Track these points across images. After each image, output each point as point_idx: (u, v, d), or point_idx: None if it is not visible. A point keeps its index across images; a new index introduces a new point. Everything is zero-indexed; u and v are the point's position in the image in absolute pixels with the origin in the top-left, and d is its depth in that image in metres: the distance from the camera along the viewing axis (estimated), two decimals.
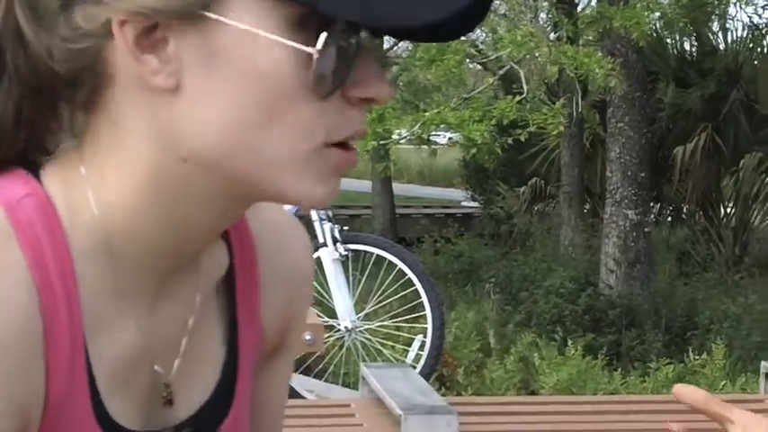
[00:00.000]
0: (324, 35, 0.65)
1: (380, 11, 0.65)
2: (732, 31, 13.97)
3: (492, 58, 9.07)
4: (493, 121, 7.69)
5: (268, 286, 0.82)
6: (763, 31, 13.49)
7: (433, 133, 9.53)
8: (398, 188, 18.27)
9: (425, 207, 17.68)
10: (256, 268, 0.81)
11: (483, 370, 6.78)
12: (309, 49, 0.65)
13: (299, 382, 5.44)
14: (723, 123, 12.62)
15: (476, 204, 16.32)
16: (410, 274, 5.46)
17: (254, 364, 0.82)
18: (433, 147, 8.55)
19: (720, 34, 13.83)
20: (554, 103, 8.79)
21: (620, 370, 7.52)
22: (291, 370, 0.93)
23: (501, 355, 7.43)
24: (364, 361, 5.28)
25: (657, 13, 9.36)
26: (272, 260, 0.83)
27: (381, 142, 7.63)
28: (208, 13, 0.66)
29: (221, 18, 0.66)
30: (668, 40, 13.40)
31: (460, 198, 18.14)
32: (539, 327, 9.04)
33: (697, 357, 7.13)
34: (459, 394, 6.35)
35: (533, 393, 6.64)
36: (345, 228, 5.72)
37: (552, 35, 9.15)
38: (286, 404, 0.92)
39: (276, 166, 0.68)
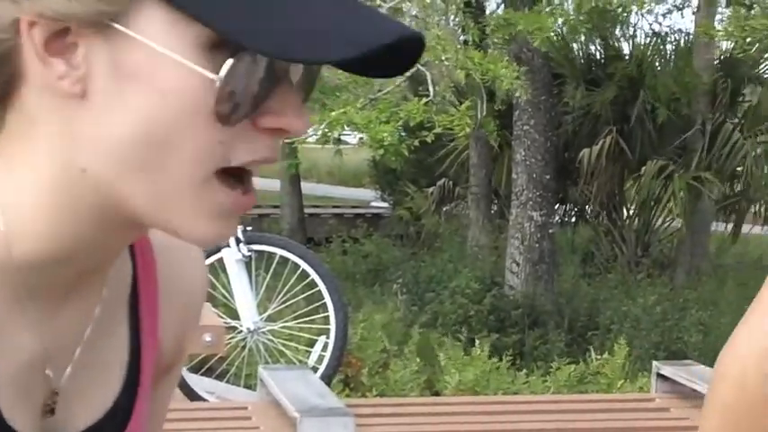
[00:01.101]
0: (229, 62, 0.64)
1: (293, 44, 0.64)
2: (636, 38, 14.25)
3: None
4: (399, 123, 7.71)
5: (166, 302, 0.82)
6: (665, 39, 13.80)
7: (345, 133, 9.52)
8: (308, 188, 18.25)
9: (335, 207, 17.68)
10: (156, 284, 0.81)
11: (387, 371, 6.79)
12: (212, 76, 0.65)
13: (200, 383, 5.38)
14: (628, 127, 12.88)
15: (385, 205, 16.38)
16: (314, 275, 5.44)
17: (152, 379, 0.82)
18: (339, 147, 8.53)
19: (624, 40, 14.14)
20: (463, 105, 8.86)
21: (523, 370, 7.61)
22: (176, 385, 0.93)
23: (405, 355, 7.45)
24: (267, 362, 5.26)
25: (561, 19, 9.49)
26: (169, 276, 0.82)
27: (287, 140, 7.59)
28: (116, 25, 0.65)
29: (129, 32, 0.65)
30: (575, 45, 13.62)
31: (370, 198, 18.19)
32: (444, 327, 9.10)
33: (598, 357, 7.26)
34: (363, 395, 6.35)
35: (437, 394, 6.68)
36: (249, 228, 5.66)
37: (461, 38, 9.24)
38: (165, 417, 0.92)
39: (169, 192, 0.67)
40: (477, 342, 7.63)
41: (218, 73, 0.64)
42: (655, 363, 4.37)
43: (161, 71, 0.65)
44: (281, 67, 0.67)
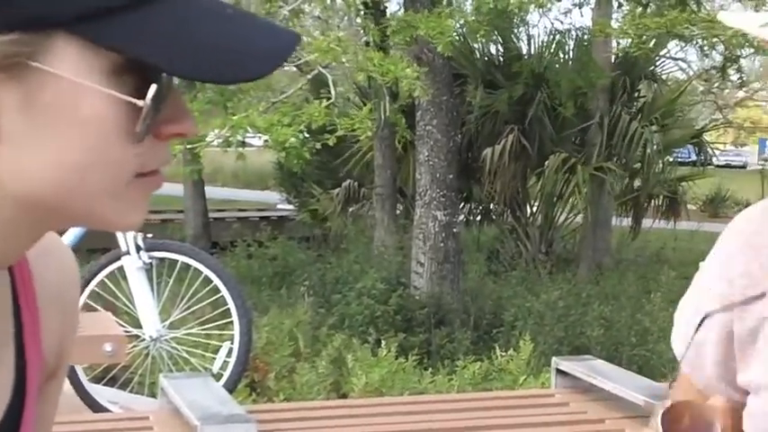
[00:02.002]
0: (153, 87, 0.68)
1: (210, 65, 0.68)
2: (536, 37, 14.48)
3: (301, 61, 9.06)
4: (301, 126, 7.69)
5: (45, 311, 0.83)
6: (565, 37, 14.04)
7: (250, 135, 9.45)
8: (213, 191, 18.07)
9: (240, 210, 17.55)
10: (35, 294, 0.82)
11: (294, 375, 6.77)
12: (139, 102, 0.68)
13: (102, 393, 5.29)
14: (529, 125, 13.08)
15: (291, 207, 16.32)
16: (216, 281, 5.39)
17: (38, 388, 0.83)
18: (241, 150, 8.46)
19: (525, 39, 14.35)
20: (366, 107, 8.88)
21: (430, 369, 7.66)
22: (60, 394, 0.94)
23: (313, 358, 7.43)
24: (171, 370, 5.18)
25: (461, 21, 9.57)
26: (45, 285, 0.84)
27: (189, 146, 7.51)
28: (33, 63, 0.66)
29: (43, 67, 0.66)
30: (476, 45, 13.76)
31: (276, 201, 18.11)
32: (351, 329, 9.11)
33: (503, 354, 7.34)
34: (270, 400, 6.31)
35: (345, 396, 6.68)
36: (150, 235, 5.58)
37: (363, 40, 9.25)
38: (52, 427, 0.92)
39: (95, 201, 0.71)
40: (383, 343, 7.65)
41: (138, 97, 0.68)
42: (554, 359, 4.44)
43: (80, 101, 0.67)
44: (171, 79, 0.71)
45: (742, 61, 15.94)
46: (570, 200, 13.43)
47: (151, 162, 0.72)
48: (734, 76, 18.10)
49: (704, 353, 1.18)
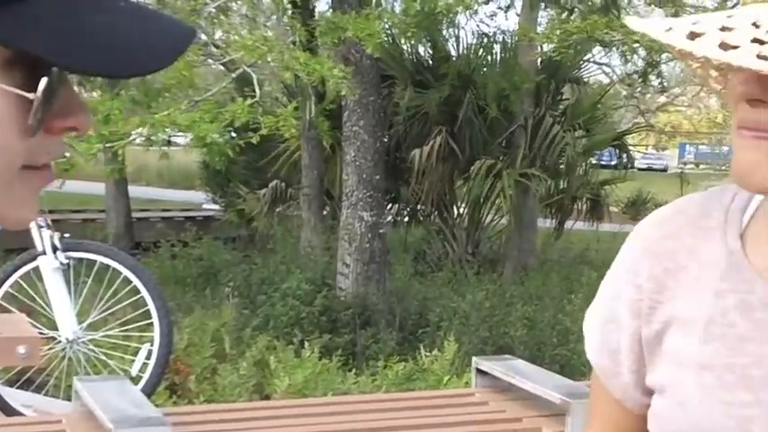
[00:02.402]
0: (44, 80, 0.67)
1: (105, 59, 0.67)
2: (464, 38, 14.58)
3: (226, 60, 8.99)
4: (224, 124, 7.62)
5: None
6: (491, 40, 14.16)
7: (176, 134, 9.32)
8: (136, 191, 17.82)
9: (164, 210, 17.33)
10: None
11: (216, 376, 6.70)
12: (30, 95, 0.67)
13: (16, 397, 5.17)
14: (458, 127, 13.15)
15: (217, 207, 16.18)
16: (136, 282, 5.31)
17: None
18: (165, 149, 8.35)
19: (454, 41, 14.44)
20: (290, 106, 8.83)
21: (354, 370, 7.64)
22: None
23: (237, 360, 7.37)
24: (88, 373, 5.09)
25: (389, 23, 9.58)
26: None
27: (108, 144, 7.39)
28: None
29: None
30: (404, 46, 13.79)
31: (201, 201, 17.93)
32: (276, 330, 9.05)
33: (427, 354, 7.36)
34: (190, 402, 6.23)
35: (268, 398, 6.63)
36: (67, 235, 5.47)
37: (289, 39, 9.19)
38: None
39: None
40: (307, 344, 7.62)
41: (29, 91, 0.67)
42: (474, 358, 4.45)
43: None
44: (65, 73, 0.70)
45: (663, 67, 16.24)
46: (496, 202, 13.55)
47: (42, 156, 0.71)
48: (655, 82, 18.45)
49: (620, 361, 1.19)
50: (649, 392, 1.17)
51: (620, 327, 1.18)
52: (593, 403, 1.27)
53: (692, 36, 0.93)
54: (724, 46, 0.90)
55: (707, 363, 1.08)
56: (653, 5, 10.09)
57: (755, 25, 0.92)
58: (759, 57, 0.88)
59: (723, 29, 0.92)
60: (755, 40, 0.90)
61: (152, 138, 7.69)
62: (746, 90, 0.98)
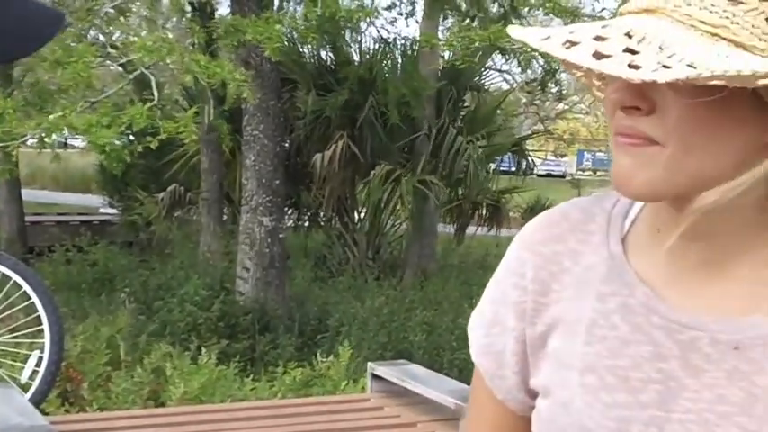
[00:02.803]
0: None
1: None
2: (365, 44, 14.60)
3: (124, 61, 8.83)
4: (122, 128, 7.48)
5: None
6: (391, 46, 14.22)
7: (72, 136, 9.11)
8: (30, 194, 17.37)
9: (59, 214, 16.92)
10: None
11: (110, 384, 6.56)
12: None
13: None
14: (359, 132, 13.16)
15: (114, 211, 15.87)
16: (26, 288, 5.19)
17: None
18: (59, 151, 8.17)
19: (356, 45, 14.46)
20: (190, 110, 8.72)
21: (252, 376, 7.58)
22: None
23: (132, 366, 7.24)
24: None
25: (290, 27, 9.55)
26: None
27: (0, 145, 7.18)
28: None
29: None
30: (305, 50, 13.75)
31: (98, 205, 17.57)
32: (173, 336, 8.93)
33: (324, 360, 7.34)
34: (82, 410, 6.10)
35: (163, 405, 6.52)
36: None
37: (188, 42, 9.10)
38: None
39: None
40: (203, 350, 7.53)
41: None
42: (369, 363, 4.47)
43: None
44: None
45: (562, 75, 16.55)
46: (396, 208, 13.59)
47: None
48: (554, 89, 18.76)
49: (504, 362, 1.20)
50: (533, 394, 1.18)
51: (505, 329, 1.19)
52: (474, 404, 1.27)
53: (568, 45, 0.95)
54: (597, 55, 0.92)
55: (589, 365, 1.10)
56: (551, 15, 10.28)
57: (628, 35, 0.94)
58: (630, 66, 0.89)
59: (597, 38, 0.94)
60: (627, 50, 0.91)
61: (45, 140, 7.49)
62: (620, 98, 1.00)
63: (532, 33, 0.99)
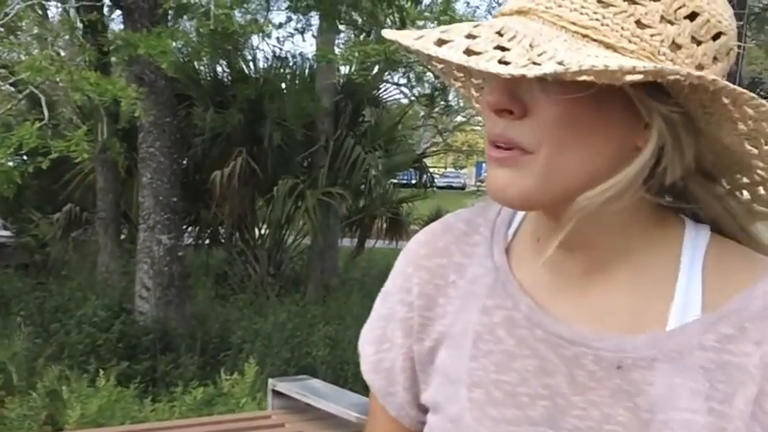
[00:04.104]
0: None
1: None
2: (260, 60, 14.55)
3: (14, 80, 8.63)
4: (11, 149, 7.30)
5: None
6: (286, 62, 14.22)
7: None
8: None
9: None
10: None
11: (3, 409, 6.38)
12: None
13: None
14: (258, 148, 13.07)
15: (7, 233, 15.45)
16: None
17: None
18: None
19: (251, 61, 14.39)
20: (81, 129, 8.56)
21: (151, 397, 7.46)
22: None
23: (27, 391, 7.05)
24: None
25: (182, 42, 9.45)
26: None
27: None
28: None
29: None
30: (201, 66, 13.63)
31: None
32: (71, 358, 8.73)
33: (227, 378, 7.27)
34: None
35: (60, 430, 6.37)
36: None
37: (79, 59, 8.92)
38: None
39: None
40: (102, 372, 7.38)
41: None
42: (270, 380, 4.45)
43: None
44: None
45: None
46: (299, 222, 13.54)
47: None
48: (452, 102, 18.95)
49: (395, 380, 1.20)
50: (425, 410, 1.17)
51: (394, 346, 1.19)
52: (371, 420, 1.26)
53: (440, 43, 0.95)
54: (468, 52, 0.92)
55: (476, 380, 1.09)
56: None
57: (499, 33, 0.94)
58: (501, 62, 0.89)
59: (469, 36, 0.95)
60: (498, 47, 0.92)
61: None
62: (494, 100, 1.00)
63: (406, 34, 0.99)
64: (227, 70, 14.06)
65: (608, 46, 0.95)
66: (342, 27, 12.51)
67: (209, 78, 13.90)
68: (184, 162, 12.68)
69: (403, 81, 17.80)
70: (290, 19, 12.58)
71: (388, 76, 16.14)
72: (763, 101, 0.95)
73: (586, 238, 1.05)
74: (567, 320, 1.06)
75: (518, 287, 1.10)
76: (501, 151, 1.01)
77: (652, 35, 0.96)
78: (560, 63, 0.88)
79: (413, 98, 18.92)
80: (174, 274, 10.16)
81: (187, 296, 10.58)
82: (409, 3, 10.05)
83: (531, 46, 0.92)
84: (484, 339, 1.10)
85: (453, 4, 10.04)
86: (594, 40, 0.95)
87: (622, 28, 0.96)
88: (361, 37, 13.38)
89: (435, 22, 9.49)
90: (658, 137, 0.98)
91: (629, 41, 0.96)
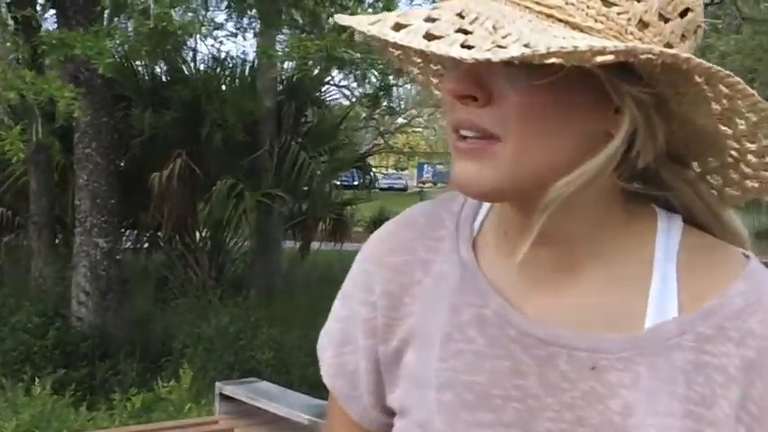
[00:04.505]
0: None
1: None
2: (199, 60, 14.39)
3: None
4: None
5: None
6: (228, 61, 14.08)
7: None
8: None
9: None
10: None
11: None
12: None
13: None
14: (198, 149, 12.87)
15: None
16: None
17: None
18: None
19: (191, 61, 14.19)
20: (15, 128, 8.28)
21: (89, 405, 7.24)
22: None
23: None
24: None
25: (119, 41, 9.21)
26: None
27: None
28: None
29: None
30: (139, 66, 13.40)
31: None
32: (5, 367, 8.45)
33: (165, 385, 7.07)
34: None
35: None
36: None
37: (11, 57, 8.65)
38: None
39: None
40: (38, 380, 7.13)
41: None
42: (217, 384, 4.28)
43: None
44: None
45: (400, 90, 16.74)
46: (239, 225, 13.37)
47: None
48: (394, 103, 18.97)
49: (357, 383, 1.13)
50: (391, 413, 1.11)
51: (356, 348, 1.12)
52: (330, 426, 1.18)
53: (398, 27, 0.88)
54: (428, 36, 0.86)
55: (446, 381, 1.02)
56: None
57: (461, 16, 0.88)
58: (463, 46, 0.83)
59: (428, 19, 0.88)
60: (460, 30, 0.86)
61: None
62: (457, 87, 0.94)
63: (361, 20, 0.91)
64: (166, 70, 13.83)
65: (574, 26, 0.90)
66: (284, 28, 12.33)
67: (147, 78, 13.66)
68: (122, 164, 12.45)
69: (344, 83, 17.74)
70: (230, 18, 12.36)
71: (330, 78, 16.05)
72: (738, 78, 0.89)
73: (558, 232, 0.99)
74: (539, 319, 1.01)
75: (487, 284, 1.04)
76: (468, 142, 0.95)
77: (619, 13, 0.91)
78: (526, 45, 0.82)
79: (354, 99, 18.90)
80: (112, 279, 9.91)
81: (126, 301, 10.34)
82: (352, 1, 9.89)
83: (494, 28, 0.86)
84: (453, 339, 1.04)
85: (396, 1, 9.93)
86: (560, 21, 0.90)
87: (588, 6, 0.90)
88: (303, 35, 13.23)
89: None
90: (630, 120, 0.93)
91: (596, 21, 0.90)
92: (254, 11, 11.87)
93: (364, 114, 21.74)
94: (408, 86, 21.85)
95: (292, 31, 13.20)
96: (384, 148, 22.98)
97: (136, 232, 13.84)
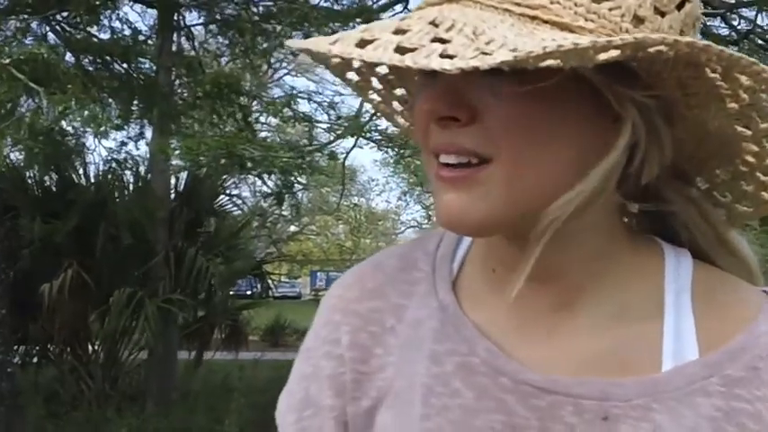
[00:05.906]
0: None
1: None
2: (94, 165, 14.21)
3: None
4: None
5: None
6: (122, 167, 13.92)
7: None
8: None
9: None
10: None
11: None
12: None
13: None
14: (91, 259, 12.57)
15: None
16: None
17: None
18: None
19: (83, 167, 13.96)
20: None
21: None
22: None
23: None
24: None
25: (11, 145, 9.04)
26: None
27: None
28: None
29: None
30: (27, 173, 13.13)
31: None
32: None
33: None
34: None
35: None
36: None
37: None
38: None
39: None
40: None
41: None
42: None
43: None
44: None
45: (299, 194, 16.81)
46: (135, 335, 13.03)
47: None
48: (285, 211, 19.01)
49: None
50: None
51: (320, 409, 0.98)
52: None
53: (363, 44, 0.77)
54: (401, 50, 0.75)
55: None
56: (294, 124, 10.35)
57: (434, 24, 0.78)
58: (443, 56, 0.73)
59: (398, 31, 0.78)
60: (436, 39, 0.75)
61: None
62: (435, 107, 0.83)
63: (318, 41, 0.80)
64: (57, 177, 13.58)
65: (563, 27, 0.80)
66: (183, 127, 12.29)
67: (36, 187, 13.38)
68: (11, 274, 12.06)
69: (236, 192, 17.73)
70: (126, 122, 12.23)
71: (221, 189, 15.95)
72: (764, 65, 0.80)
73: (555, 264, 0.89)
74: (535, 365, 0.89)
75: (473, 327, 0.92)
76: (453, 170, 0.83)
77: (611, 9, 0.82)
78: (514, 50, 0.72)
79: (245, 209, 18.89)
80: (3, 392, 9.48)
81: (16, 416, 9.88)
82: (248, 99, 9.93)
83: (474, 34, 0.75)
84: (436, 393, 0.91)
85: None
86: (546, 22, 0.80)
87: (576, 4, 0.81)
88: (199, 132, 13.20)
89: (278, 117, 9.41)
90: (631, 128, 0.83)
91: (586, 20, 0.81)
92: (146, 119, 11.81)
93: (256, 223, 21.72)
94: (300, 194, 21.94)
95: (190, 130, 13.20)
96: (279, 257, 22.90)
97: (25, 346, 13.33)
